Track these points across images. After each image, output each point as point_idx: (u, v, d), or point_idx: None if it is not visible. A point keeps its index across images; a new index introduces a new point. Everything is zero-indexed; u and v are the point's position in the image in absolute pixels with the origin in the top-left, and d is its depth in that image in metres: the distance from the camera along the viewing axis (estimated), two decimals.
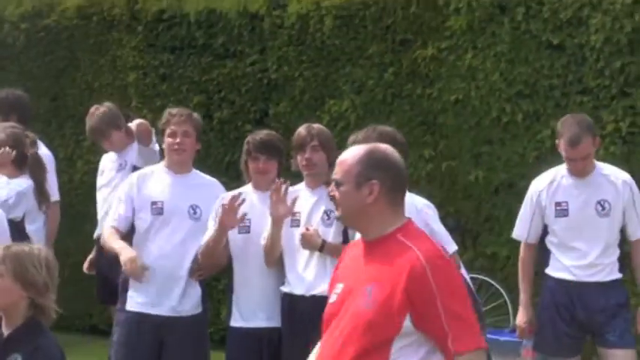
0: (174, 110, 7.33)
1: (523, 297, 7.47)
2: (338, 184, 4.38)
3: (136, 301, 7.15)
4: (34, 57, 11.96)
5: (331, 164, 7.01)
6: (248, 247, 7.02)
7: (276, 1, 10.77)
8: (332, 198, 4.44)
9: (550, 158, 9.53)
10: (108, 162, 8.83)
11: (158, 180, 7.27)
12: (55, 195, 8.59)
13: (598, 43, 9.27)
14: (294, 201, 6.84)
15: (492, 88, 9.75)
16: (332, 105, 10.41)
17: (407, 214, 6.45)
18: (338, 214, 4.45)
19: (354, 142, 6.52)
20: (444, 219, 7.07)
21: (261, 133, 7.24)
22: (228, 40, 10.97)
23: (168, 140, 7.19)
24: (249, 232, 7.01)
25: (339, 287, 4.40)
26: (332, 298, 4.43)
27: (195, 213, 7.19)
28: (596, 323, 7.18)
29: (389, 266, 4.23)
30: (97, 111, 8.35)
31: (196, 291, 7.21)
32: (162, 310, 7.12)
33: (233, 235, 7.02)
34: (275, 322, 7.04)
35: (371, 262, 4.32)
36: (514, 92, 9.67)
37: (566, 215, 7.20)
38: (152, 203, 7.17)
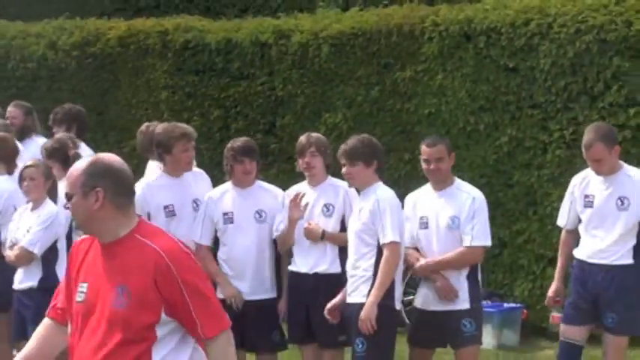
0: (181, 127, 7.09)
1: (556, 272, 7.16)
2: (69, 197, 3.95)
3: None
4: (83, 79, 11.93)
5: (327, 167, 7.02)
6: (234, 234, 6.88)
7: (281, 32, 10.77)
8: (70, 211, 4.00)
9: (507, 160, 9.57)
10: (156, 168, 8.71)
11: (162, 185, 7.01)
12: None
13: (546, 66, 9.27)
14: (306, 205, 6.80)
15: (459, 103, 9.75)
16: (328, 117, 10.39)
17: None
18: (76, 223, 4.02)
19: (344, 149, 6.55)
20: None
21: (240, 140, 7.01)
22: (242, 65, 10.95)
23: (184, 155, 6.93)
24: (232, 223, 6.88)
25: (85, 286, 3.94)
26: (79, 297, 3.96)
27: (197, 206, 7.00)
28: (601, 302, 6.80)
29: (135, 265, 3.84)
30: (148, 130, 8.03)
31: None
32: None
33: (220, 224, 6.88)
34: (263, 295, 6.90)
35: (115, 263, 3.89)
36: (477, 106, 9.67)
37: (591, 206, 6.83)
38: (165, 207, 6.94)
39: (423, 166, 6.65)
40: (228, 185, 7.01)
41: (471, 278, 6.61)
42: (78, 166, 3.96)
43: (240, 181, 6.94)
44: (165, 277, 3.83)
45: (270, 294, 6.90)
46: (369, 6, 11.01)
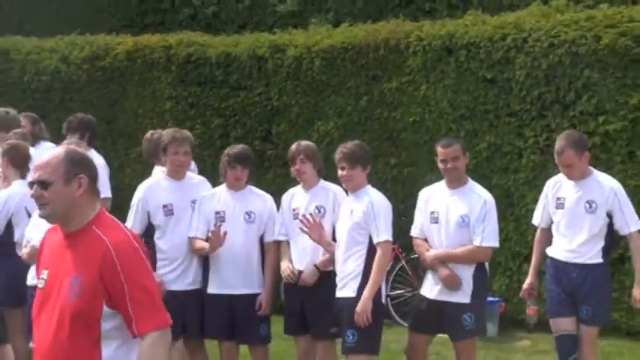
0: (174, 132, 7.06)
1: (531, 267, 7.16)
2: (46, 185, 3.75)
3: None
4: (93, 90, 11.95)
5: (319, 171, 7.06)
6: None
7: (277, 47, 10.81)
8: (37, 199, 3.80)
9: (485, 165, 9.62)
10: (160, 173, 8.74)
11: (163, 187, 7.01)
12: (104, 193, 8.22)
13: (521, 77, 9.32)
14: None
15: (441, 112, 9.80)
16: (320, 125, 10.43)
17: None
18: (46, 212, 3.79)
19: (344, 153, 6.57)
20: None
21: (237, 147, 7.04)
22: (240, 77, 10.98)
23: (173, 157, 6.93)
24: (224, 221, 6.89)
25: (45, 273, 3.83)
26: (40, 284, 3.84)
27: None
28: (576, 296, 6.82)
29: (87, 257, 3.72)
30: (152, 137, 8.04)
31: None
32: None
33: (212, 224, 6.88)
34: (251, 289, 6.91)
35: (73, 253, 3.76)
36: (458, 115, 9.72)
37: (562, 208, 6.86)
38: (163, 206, 6.93)
39: (440, 166, 6.67)
40: (222, 187, 7.06)
41: (477, 274, 6.61)
42: (55, 155, 3.82)
43: (232, 185, 6.99)
44: (108, 269, 3.69)
45: (258, 289, 6.92)
46: (358, 22, 11.06)
